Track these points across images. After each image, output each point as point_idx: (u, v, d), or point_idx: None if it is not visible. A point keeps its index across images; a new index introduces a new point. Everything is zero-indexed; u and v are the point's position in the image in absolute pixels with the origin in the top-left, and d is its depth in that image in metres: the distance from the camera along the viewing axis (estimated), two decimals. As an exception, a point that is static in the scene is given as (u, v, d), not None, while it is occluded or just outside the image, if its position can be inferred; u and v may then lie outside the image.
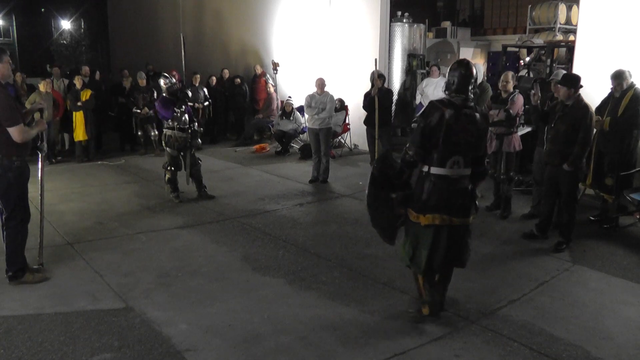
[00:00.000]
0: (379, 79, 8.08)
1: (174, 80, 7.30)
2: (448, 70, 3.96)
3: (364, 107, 8.39)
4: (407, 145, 3.78)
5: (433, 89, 10.09)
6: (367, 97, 8.26)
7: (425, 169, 3.75)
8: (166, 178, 7.09)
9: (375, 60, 8.46)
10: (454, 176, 3.73)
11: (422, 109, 3.85)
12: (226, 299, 4.31)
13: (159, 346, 3.59)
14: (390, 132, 8.83)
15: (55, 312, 4.02)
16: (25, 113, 4.59)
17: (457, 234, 3.82)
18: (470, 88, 3.78)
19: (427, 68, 11.23)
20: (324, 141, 8.02)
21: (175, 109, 6.93)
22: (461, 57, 14.74)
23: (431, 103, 3.80)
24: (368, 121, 8.22)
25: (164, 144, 7.14)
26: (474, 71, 3.83)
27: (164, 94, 7.12)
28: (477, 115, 3.78)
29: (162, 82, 7.13)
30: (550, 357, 3.52)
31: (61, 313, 4.01)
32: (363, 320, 3.99)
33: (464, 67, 3.81)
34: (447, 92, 3.84)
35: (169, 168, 7.04)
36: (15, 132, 4.16)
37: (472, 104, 3.81)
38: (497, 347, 3.63)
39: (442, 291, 4.00)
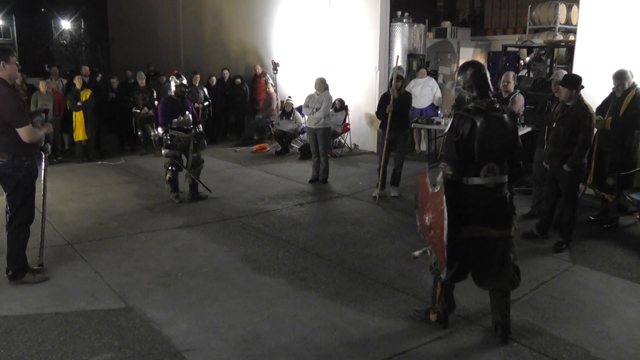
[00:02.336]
0: (397, 81, 7.33)
1: (185, 81, 7.26)
2: (456, 76, 3.67)
3: (379, 109, 7.62)
4: (442, 165, 3.54)
5: (420, 88, 10.13)
6: (385, 99, 7.39)
7: (464, 180, 3.52)
8: (167, 178, 7.09)
9: (397, 57, 8.23)
10: (489, 185, 3.52)
11: (450, 123, 3.63)
12: (226, 299, 4.31)
13: (159, 346, 3.59)
14: (407, 138, 8.09)
15: (55, 312, 4.02)
16: (32, 114, 4.62)
17: (492, 247, 3.56)
18: (491, 89, 3.59)
19: (427, 68, 11.22)
20: (322, 141, 8.00)
21: (174, 117, 6.89)
22: (461, 57, 14.77)
23: (458, 115, 3.59)
24: (384, 125, 7.40)
25: (164, 144, 7.05)
26: (484, 69, 3.66)
27: (171, 94, 7.08)
28: (506, 116, 3.57)
29: (173, 81, 7.08)
30: (550, 357, 3.52)
31: (61, 313, 4.01)
32: (363, 320, 3.99)
33: (476, 65, 3.63)
34: (469, 100, 3.64)
35: (170, 168, 7.03)
36: (24, 133, 4.19)
37: (498, 105, 3.59)
38: (497, 347, 3.63)
39: (504, 312, 3.67)
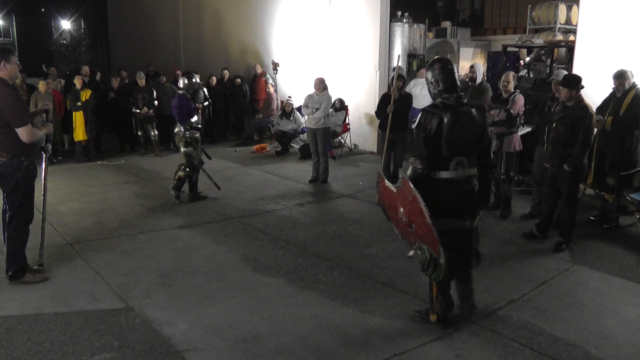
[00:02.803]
0: (398, 80, 7.26)
1: (197, 79, 7.28)
2: (426, 72, 3.82)
3: (379, 109, 7.60)
4: (412, 160, 3.63)
5: (420, 88, 10.12)
6: (386, 99, 7.37)
7: (433, 174, 3.60)
8: (178, 176, 7.03)
9: (399, 56, 8.18)
10: (459, 178, 3.61)
11: (417, 119, 3.71)
12: (226, 299, 4.31)
13: (159, 346, 3.59)
14: (407, 139, 8.04)
15: (55, 312, 4.02)
16: (32, 114, 4.62)
17: (465, 237, 3.71)
18: (458, 85, 3.71)
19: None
20: (321, 141, 8.00)
21: (191, 116, 6.99)
22: (461, 57, 14.79)
23: (425, 111, 3.66)
24: (383, 125, 7.42)
25: (182, 145, 7.00)
26: (452, 65, 3.76)
27: (184, 92, 7.06)
28: (474, 110, 3.68)
29: (187, 80, 7.09)
30: (550, 357, 3.52)
31: (61, 313, 4.01)
32: (363, 320, 3.98)
33: (443, 61, 3.70)
34: (435, 95, 3.70)
35: (185, 169, 7.00)
36: (23, 133, 4.19)
37: (465, 100, 3.70)
38: (497, 347, 3.63)
39: (469, 293, 3.88)
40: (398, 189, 3.58)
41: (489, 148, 3.84)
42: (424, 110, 3.70)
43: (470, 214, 3.68)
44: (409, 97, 7.64)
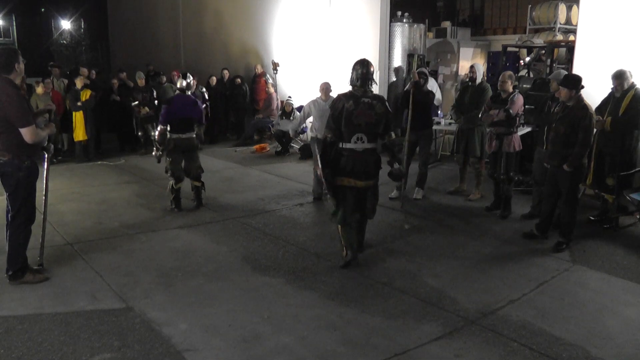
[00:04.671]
0: (419, 75, 7.06)
1: (190, 80, 7.16)
2: (352, 69, 4.87)
3: (401, 105, 7.41)
4: (326, 131, 4.93)
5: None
6: (407, 95, 7.00)
7: (340, 145, 4.82)
8: (170, 188, 6.71)
9: (420, 57, 7.89)
10: (358, 149, 4.78)
11: (332, 101, 5.00)
12: (226, 299, 4.31)
13: (159, 346, 3.59)
14: (431, 136, 7.64)
15: (55, 312, 4.02)
16: (35, 114, 4.62)
17: (362, 194, 4.91)
18: (369, 83, 4.83)
19: (427, 68, 11.21)
20: None
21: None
22: (461, 57, 14.78)
23: (337, 96, 4.91)
24: (406, 123, 7.10)
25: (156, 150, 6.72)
26: (372, 68, 4.84)
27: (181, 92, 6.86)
28: (375, 102, 4.82)
29: (184, 81, 6.81)
30: (550, 357, 3.52)
31: (61, 313, 4.01)
32: (363, 320, 3.99)
33: (365, 67, 4.82)
34: (352, 85, 4.86)
35: (170, 175, 6.74)
36: (27, 133, 4.19)
37: (371, 93, 4.85)
38: (497, 347, 3.63)
39: (359, 235, 5.17)
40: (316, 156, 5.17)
41: (389, 130, 4.95)
42: (337, 95, 4.94)
43: (364, 176, 4.84)
44: (430, 94, 7.30)
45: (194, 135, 6.76)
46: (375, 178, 4.95)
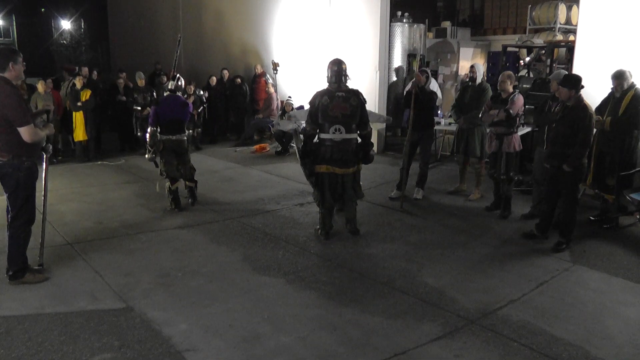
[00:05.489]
0: (420, 74, 7.03)
1: (182, 82, 7.13)
2: (327, 68, 5.47)
3: (403, 105, 7.41)
4: (305, 123, 5.62)
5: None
6: (409, 96, 7.00)
7: (321, 136, 5.44)
8: (167, 189, 6.73)
9: (421, 57, 7.91)
10: (336, 139, 5.39)
11: (311, 97, 5.54)
12: (226, 299, 4.31)
13: (159, 346, 3.60)
14: (433, 137, 7.62)
15: (55, 312, 4.03)
16: (34, 114, 4.62)
17: (339, 180, 5.53)
18: (342, 78, 5.45)
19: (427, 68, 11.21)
20: None
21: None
22: (461, 57, 14.78)
23: (315, 93, 5.50)
24: (407, 123, 7.12)
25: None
26: (344, 66, 5.46)
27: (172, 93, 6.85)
28: (349, 95, 5.43)
29: (174, 83, 6.83)
30: (550, 357, 3.52)
31: (61, 313, 4.02)
32: (363, 320, 3.99)
33: (337, 65, 5.46)
34: (328, 82, 5.47)
35: (165, 177, 6.77)
36: (25, 133, 4.19)
37: (345, 87, 5.45)
38: (497, 347, 3.63)
39: (353, 213, 5.77)
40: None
41: (366, 122, 5.57)
42: (316, 92, 5.50)
43: (342, 164, 5.45)
44: (433, 94, 7.25)
45: (184, 138, 6.76)
46: (355, 165, 5.57)
